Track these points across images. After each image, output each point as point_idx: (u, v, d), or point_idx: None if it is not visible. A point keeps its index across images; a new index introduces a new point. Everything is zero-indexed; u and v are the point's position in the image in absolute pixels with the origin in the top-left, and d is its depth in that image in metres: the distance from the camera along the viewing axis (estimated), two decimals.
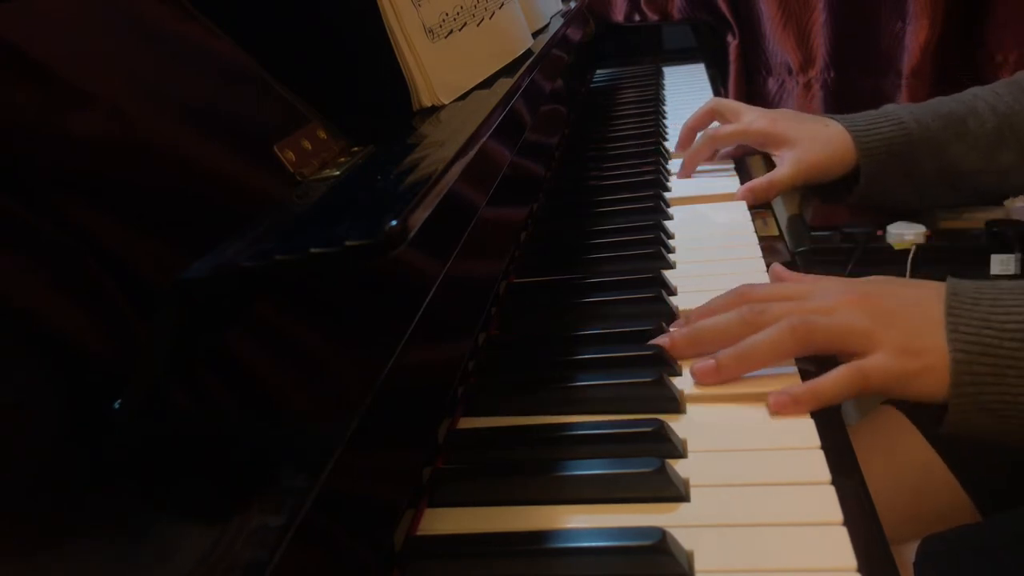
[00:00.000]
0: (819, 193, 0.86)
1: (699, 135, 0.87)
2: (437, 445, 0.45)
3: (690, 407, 0.46)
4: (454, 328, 0.47)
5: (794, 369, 0.48)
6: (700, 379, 0.47)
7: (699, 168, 0.86)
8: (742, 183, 0.80)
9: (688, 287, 0.60)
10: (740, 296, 0.51)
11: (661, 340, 0.50)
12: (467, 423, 0.48)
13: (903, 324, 0.46)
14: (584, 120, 1.10)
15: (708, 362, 0.47)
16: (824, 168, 0.78)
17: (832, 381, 0.44)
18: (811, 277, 0.54)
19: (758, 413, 0.45)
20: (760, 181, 0.78)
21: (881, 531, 0.38)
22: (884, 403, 0.72)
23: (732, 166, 0.86)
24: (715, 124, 0.88)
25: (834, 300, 0.48)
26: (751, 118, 0.82)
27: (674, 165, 0.89)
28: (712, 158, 0.86)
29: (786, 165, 0.78)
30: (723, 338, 0.48)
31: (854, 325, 0.46)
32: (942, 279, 0.49)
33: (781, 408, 0.44)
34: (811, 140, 0.78)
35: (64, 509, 0.24)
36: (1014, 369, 0.43)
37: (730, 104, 0.87)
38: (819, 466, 0.40)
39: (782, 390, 0.44)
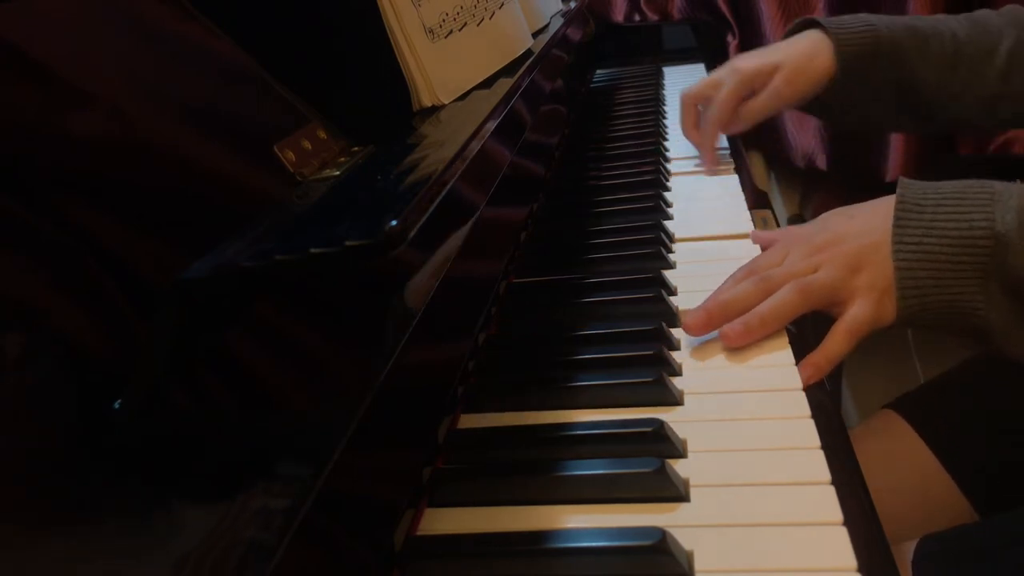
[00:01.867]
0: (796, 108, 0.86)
1: (702, 126, 0.87)
2: (437, 445, 0.45)
3: (689, 403, 0.47)
4: (454, 328, 0.47)
5: (792, 369, 0.48)
6: (734, 341, 0.51)
7: (696, 169, 0.86)
8: (741, 181, 0.81)
9: (688, 287, 0.60)
10: (748, 271, 0.56)
11: (697, 315, 0.53)
12: (467, 423, 0.48)
13: (866, 263, 0.51)
14: (584, 120, 1.10)
15: (735, 325, 0.51)
16: (805, 72, 0.79)
17: (835, 342, 0.50)
18: (781, 236, 0.60)
19: (758, 413, 0.45)
20: (766, 98, 0.79)
21: (881, 531, 0.38)
22: (884, 407, 0.72)
23: (732, 166, 0.86)
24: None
25: (814, 260, 0.53)
26: (724, 75, 0.82)
27: (674, 165, 0.89)
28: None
29: (779, 77, 0.79)
30: (744, 305, 0.53)
31: (835, 279, 0.52)
32: None
33: (811, 379, 0.48)
34: (788, 54, 0.79)
35: (62, 509, 0.24)
36: (952, 272, 0.49)
37: (699, 86, 0.86)
38: (819, 466, 0.40)
39: (806, 365, 0.48)
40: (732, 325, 0.51)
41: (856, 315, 0.50)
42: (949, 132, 1.24)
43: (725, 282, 0.57)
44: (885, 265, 0.51)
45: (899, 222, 0.51)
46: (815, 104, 0.82)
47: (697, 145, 0.88)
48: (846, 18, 0.80)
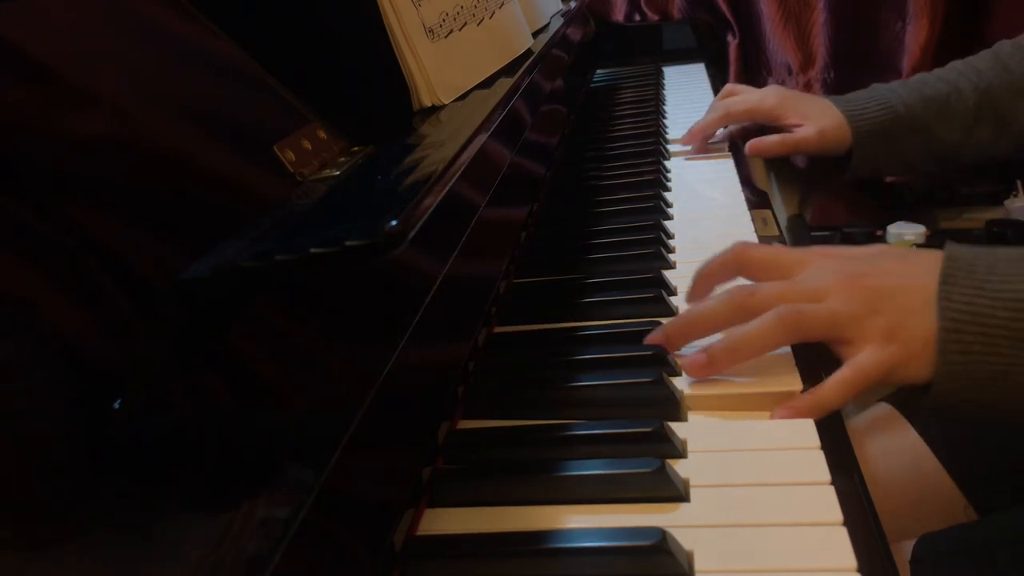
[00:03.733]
0: (818, 170, 0.92)
1: (711, 106, 0.92)
2: (437, 445, 0.45)
3: (690, 409, 0.46)
4: (454, 328, 0.47)
5: (791, 365, 0.48)
6: (691, 373, 0.47)
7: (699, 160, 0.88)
8: (741, 178, 0.82)
9: (688, 287, 0.60)
10: (737, 256, 0.51)
11: (656, 336, 0.50)
12: (467, 423, 0.48)
13: (891, 306, 0.45)
14: (584, 120, 1.10)
15: (699, 356, 0.47)
16: (835, 140, 0.83)
17: (833, 387, 0.44)
18: (808, 253, 0.52)
19: (758, 413, 0.45)
20: (787, 136, 0.84)
21: (881, 531, 0.38)
22: (879, 400, 0.72)
23: (732, 163, 0.86)
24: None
25: (825, 283, 0.47)
26: (760, 95, 0.88)
27: (674, 164, 0.89)
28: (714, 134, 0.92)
29: (811, 128, 0.82)
30: (715, 325, 0.48)
31: (841, 312, 0.45)
32: None
33: (785, 418, 0.43)
34: (821, 114, 0.84)
35: (61, 509, 0.24)
36: (1007, 339, 0.42)
37: (736, 95, 0.92)
38: (819, 466, 0.40)
39: (785, 405, 0.44)
40: (695, 356, 0.46)
41: (863, 363, 0.44)
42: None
43: (709, 262, 0.52)
44: (915, 316, 0.44)
45: (947, 279, 0.44)
46: (826, 170, 0.86)
47: (697, 134, 0.91)
48: (861, 96, 0.84)
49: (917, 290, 0.45)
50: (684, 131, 0.92)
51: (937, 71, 0.85)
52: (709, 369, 0.46)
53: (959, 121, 0.80)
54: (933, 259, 0.46)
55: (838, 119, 0.82)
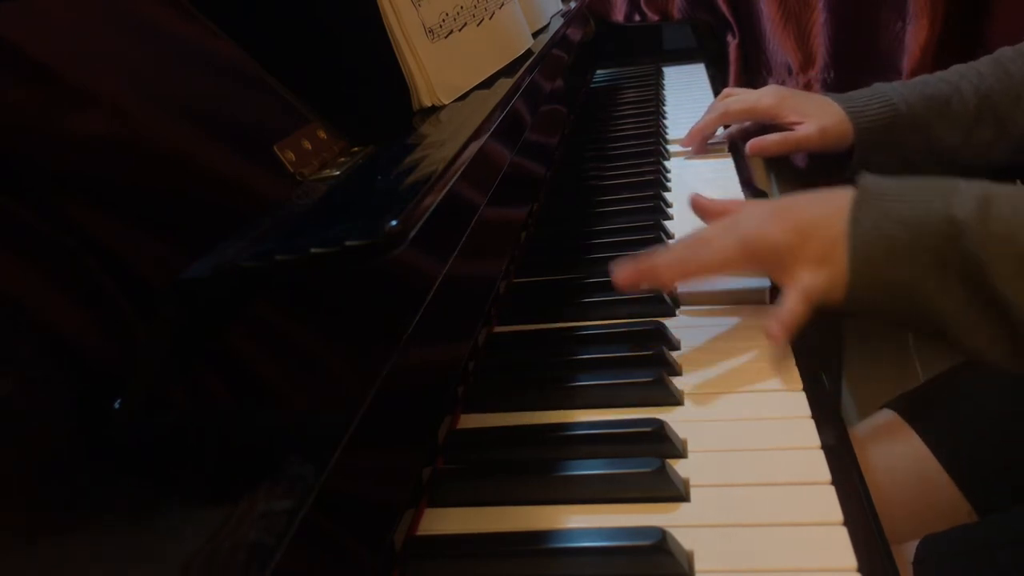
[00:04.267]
0: (818, 170, 0.91)
1: (709, 107, 0.92)
2: (437, 445, 0.45)
3: (689, 403, 0.46)
4: (454, 328, 0.47)
5: (791, 365, 0.48)
6: (663, 271, 0.51)
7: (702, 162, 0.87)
8: (741, 178, 0.81)
9: (688, 286, 0.60)
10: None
11: (626, 274, 0.52)
12: (467, 423, 0.48)
13: (819, 234, 0.50)
14: (584, 120, 1.10)
15: (671, 262, 0.51)
16: (837, 137, 0.82)
17: (792, 303, 0.49)
18: (737, 203, 0.59)
19: (758, 413, 0.45)
20: (788, 135, 0.83)
21: (881, 531, 0.38)
22: (884, 406, 0.72)
23: (732, 163, 0.86)
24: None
25: (763, 220, 0.52)
26: (758, 95, 0.88)
27: (674, 164, 0.89)
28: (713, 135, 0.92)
29: (812, 126, 0.82)
30: (680, 266, 0.52)
31: (781, 241, 0.51)
32: None
33: (778, 338, 0.48)
34: (821, 112, 0.83)
35: (62, 509, 0.24)
36: (907, 253, 0.47)
37: (736, 97, 0.92)
38: (819, 466, 0.40)
39: (773, 323, 0.48)
40: (666, 259, 0.51)
41: (806, 282, 0.49)
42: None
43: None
44: (838, 243, 0.49)
45: (858, 205, 0.49)
46: (827, 168, 0.86)
47: (696, 135, 0.91)
48: (863, 94, 0.83)
49: (836, 222, 0.50)
50: (684, 131, 0.92)
51: (939, 73, 0.85)
52: (680, 269, 0.51)
53: (960, 122, 0.80)
54: (849, 192, 0.51)
55: (839, 116, 0.82)
